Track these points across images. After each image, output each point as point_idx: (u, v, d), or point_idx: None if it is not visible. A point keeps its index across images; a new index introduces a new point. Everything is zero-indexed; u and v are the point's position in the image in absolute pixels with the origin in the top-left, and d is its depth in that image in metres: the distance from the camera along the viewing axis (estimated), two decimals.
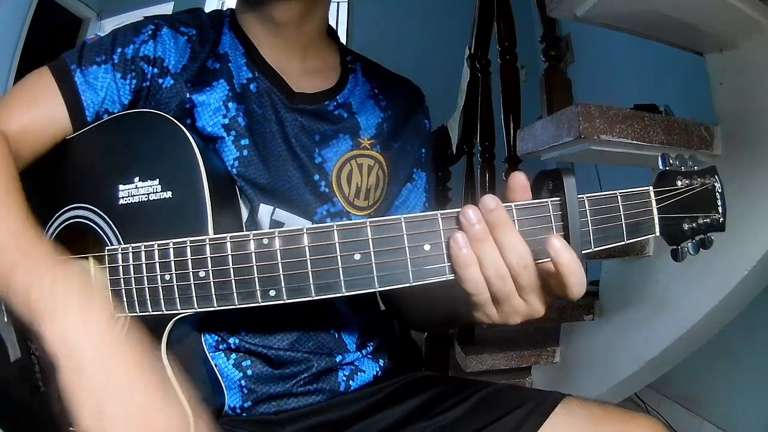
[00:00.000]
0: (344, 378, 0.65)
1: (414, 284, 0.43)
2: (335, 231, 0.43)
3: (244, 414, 0.61)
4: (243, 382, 0.60)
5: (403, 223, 0.43)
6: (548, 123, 1.13)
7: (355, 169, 0.65)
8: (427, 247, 0.43)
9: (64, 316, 0.41)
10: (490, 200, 0.41)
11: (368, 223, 0.43)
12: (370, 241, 0.43)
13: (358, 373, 0.67)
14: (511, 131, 1.61)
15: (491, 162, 1.72)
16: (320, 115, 0.66)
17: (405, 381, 0.68)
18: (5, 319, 0.59)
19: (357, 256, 0.43)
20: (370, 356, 0.69)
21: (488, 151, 1.74)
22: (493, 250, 0.42)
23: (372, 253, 0.43)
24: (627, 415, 0.58)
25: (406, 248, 0.43)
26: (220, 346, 0.60)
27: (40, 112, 0.56)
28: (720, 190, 0.48)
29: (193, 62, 0.61)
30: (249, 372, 0.61)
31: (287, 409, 0.62)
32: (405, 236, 0.43)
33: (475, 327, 1.65)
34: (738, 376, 1.53)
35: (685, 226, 0.47)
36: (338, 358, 0.65)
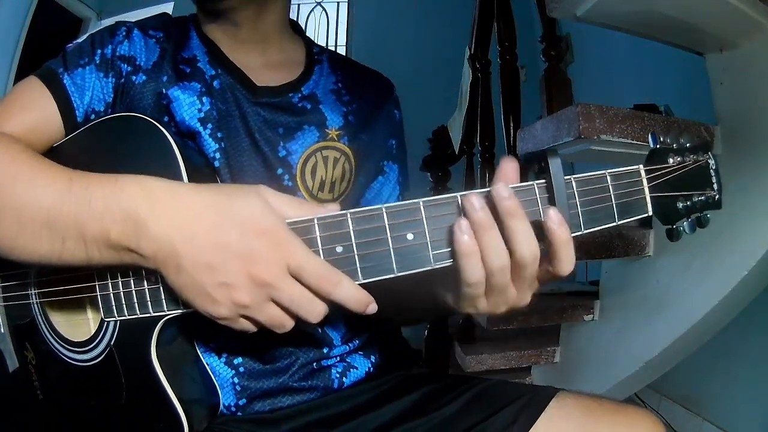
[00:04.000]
0: (337, 375, 0.65)
1: (399, 274, 0.43)
2: (316, 224, 0.43)
3: (239, 413, 0.61)
4: (236, 380, 0.61)
5: (384, 213, 0.42)
6: (548, 123, 1.13)
7: (320, 162, 0.65)
8: (410, 236, 0.42)
9: (147, 221, 0.42)
10: (503, 189, 0.40)
11: (349, 215, 0.43)
12: (352, 232, 0.42)
13: (351, 370, 0.67)
14: (511, 131, 1.61)
15: (491, 162, 1.72)
16: (284, 107, 0.66)
17: (399, 378, 0.68)
18: (2, 330, 0.59)
19: (339, 249, 0.43)
20: (360, 352, 0.69)
21: (488, 151, 1.74)
22: (498, 239, 0.41)
23: (354, 244, 0.43)
24: (620, 407, 0.59)
25: (389, 238, 0.42)
26: (211, 345, 0.60)
27: (33, 118, 0.58)
28: (714, 167, 0.47)
29: (163, 60, 0.64)
30: (241, 369, 0.61)
31: (282, 407, 0.62)
32: (387, 226, 0.42)
33: (476, 327, 1.65)
34: (738, 376, 1.53)
35: (680, 205, 0.46)
36: (325, 350, 0.65)
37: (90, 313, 0.56)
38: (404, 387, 0.65)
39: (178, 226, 0.42)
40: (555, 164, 0.42)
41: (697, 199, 0.46)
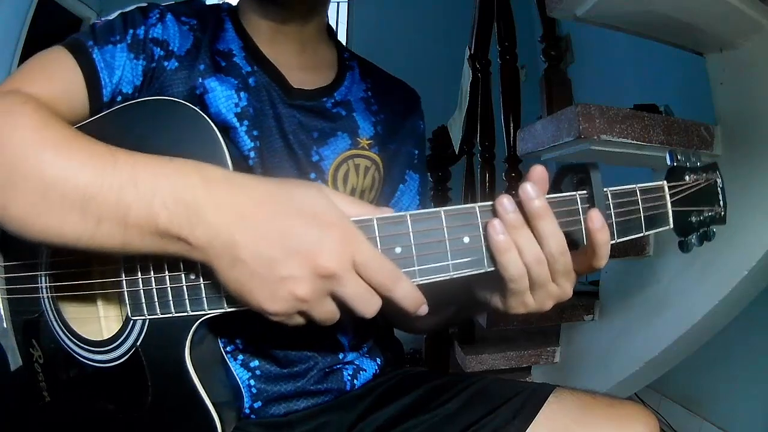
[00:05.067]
0: (349, 377, 0.66)
1: (454, 275, 0.44)
2: (375, 224, 0.43)
3: (254, 415, 0.61)
4: (252, 382, 0.60)
5: (443, 216, 0.43)
6: (548, 123, 1.13)
7: (352, 170, 0.65)
8: (466, 240, 0.44)
9: (205, 207, 0.40)
10: (531, 190, 0.42)
11: (408, 216, 0.43)
12: (411, 233, 0.43)
13: (360, 372, 0.67)
14: (511, 131, 1.61)
15: (491, 162, 1.72)
16: (318, 111, 0.65)
17: (402, 377, 0.68)
18: (5, 325, 0.57)
19: (398, 249, 0.43)
20: (367, 355, 0.69)
21: (488, 151, 1.74)
22: (530, 237, 0.43)
23: (413, 245, 0.43)
24: (615, 401, 0.60)
25: (446, 241, 0.43)
26: (227, 348, 0.60)
27: (57, 88, 0.52)
28: (721, 185, 0.52)
29: (197, 49, 0.61)
30: (258, 372, 0.61)
31: (297, 410, 0.62)
32: (445, 229, 0.43)
33: (475, 327, 1.65)
34: (738, 376, 1.53)
35: (693, 219, 0.50)
36: (340, 356, 0.66)
37: (103, 311, 0.53)
38: (406, 385, 0.66)
39: (239, 213, 0.39)
40: (596, 177, 0.45)
41: (707, 214, 0.51)
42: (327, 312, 0.42)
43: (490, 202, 0.44)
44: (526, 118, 1.63)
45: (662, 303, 1.23)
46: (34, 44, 2.89)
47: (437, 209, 0.44)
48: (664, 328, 1.21)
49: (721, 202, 0.52)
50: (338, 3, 4.05)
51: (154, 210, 0.39)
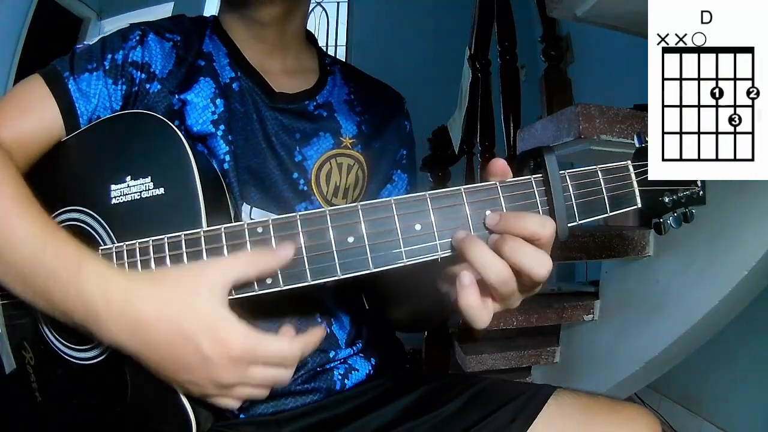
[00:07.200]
0: (339, 377, 0.65)
1: (408, 263, 0.45)
2: (327, 216, 0.45)
3: (242, 415, 0.61)
4: None
5: (393, 205, 0.45)
6: (548, 123, 1.13)
7: (335, 168, 0.67)
8: (417, 227, 0.45)
9: (107, 323, 0.44)
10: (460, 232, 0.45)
11: (359, 207, 0.45)
12: (363, 223, 0.45)
13: (353, 372, 0.67)
14: (511, 131, 1.61)
15: None
16: (300, 114, 0.67)
17: (398, 378, 0.68)
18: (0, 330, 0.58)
19: (350, 239, 0.45)
20: (361, 354, 0.69)
21: (488, 151, 1.74)
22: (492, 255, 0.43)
23: (365, 235, 0.45)
24: (617, 404, 0.59)
25: (398, 229, 0.45)
26: None
27: (34, 121, 0.57)
28: None
29: (179, 67, 0.63)
30: None
31: (285, 409, 0.62)
32: (396, 217, 0.45)
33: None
34: (738, 376, 1.53)
35: (666, 199, 0.49)
36: (331, 354, 0.65)
37: None
38: (404, 387, 0.65)
39: (134, 336, 0.44)
40: (551, 160, 0.45)
41: (682, 194, 0.49)
42: (249, 395, 0.47)
43: (439, 190, 0.45)
44: (526, 118, 1.63)
45: (662, 303, 1.23)
46: (34, 44, 2.89)
47: (387, 199, 0.45)
48: (664, 328, 1.21)
49: (699, 182, 0.49)
50: (338, 3, 4.05)
51: (69, 307, 0.44)
